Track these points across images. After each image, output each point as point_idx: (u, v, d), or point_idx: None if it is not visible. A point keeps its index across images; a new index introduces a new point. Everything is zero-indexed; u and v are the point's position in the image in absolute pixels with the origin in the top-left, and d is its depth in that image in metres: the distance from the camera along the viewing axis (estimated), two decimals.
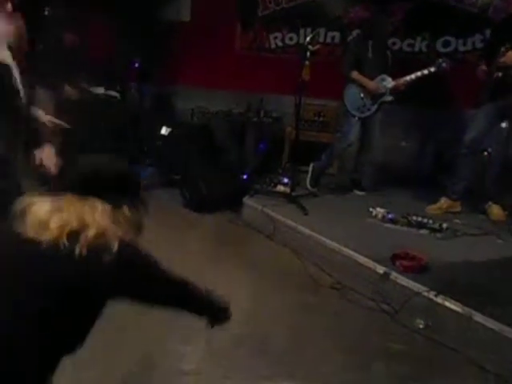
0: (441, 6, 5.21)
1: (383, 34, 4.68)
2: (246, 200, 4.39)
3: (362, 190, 4.79)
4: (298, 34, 5.76)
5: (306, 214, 4.07)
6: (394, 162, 5.18)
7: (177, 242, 3.66)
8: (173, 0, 6.10)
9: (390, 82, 4.52)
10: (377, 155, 4.76)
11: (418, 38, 5.41)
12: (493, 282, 3.03)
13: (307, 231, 3.72)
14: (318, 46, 4.46)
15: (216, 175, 4.59)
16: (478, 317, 2.64)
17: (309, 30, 5.67)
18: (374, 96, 4.56)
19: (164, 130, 5.24)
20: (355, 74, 4.55)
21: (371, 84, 4.54)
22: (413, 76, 4.42)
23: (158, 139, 5.27)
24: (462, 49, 5.28)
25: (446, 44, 5.32)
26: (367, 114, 4.61)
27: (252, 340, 2.63)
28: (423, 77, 4.37)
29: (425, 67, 4.38)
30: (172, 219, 4.17)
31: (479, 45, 5.08)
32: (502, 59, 3.76)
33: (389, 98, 4.56)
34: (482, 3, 4.17)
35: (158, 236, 3.62)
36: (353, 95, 4.61)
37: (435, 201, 4.35)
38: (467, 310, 2.70)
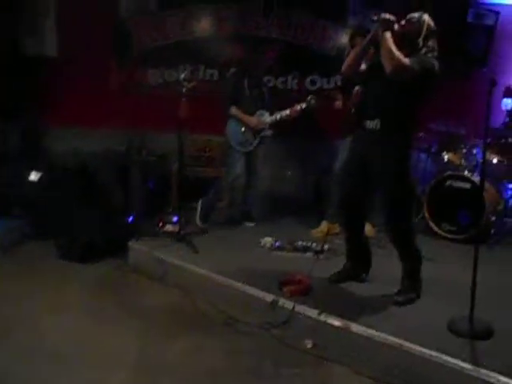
0: (306, 50, 6.14)
1: (258, 71, 5.14)
2: (132, 244, 4.47)
3: (251, 221, 5.14)
4: (177, 71, 6.07)
5: (196, 252, 4.25)
6: (281, 191, 5.64)
7: (52, 300, 3.61)
8: (34, 34, 6.12)
9: (267, 117, 5.00)
10: (263, 186, 5.17)
11: (290, 77, 6.16)
12: (368, 293, 3.48)
13: (197, 270, 3.91)
14: (194, 83, 4.76)
15: (97, 220, 4.58)
16: (356, 327, 3.01)
17: (188, 66, 6.06)
18: (255, 131, 4.98)
19: (34, 176, 5.09)
20: (234, 111, 4.94)
21: (251, 120, 4.96)
22: (287, 112, 4.93)
23: (26, 186, 5.08)
24: (326, 86, 6.14)
25: (313, 82, 6.17)
26: (250, 148, 5.02)
27: None
28: (296, 112, 4.90)
29: (297, 103, 4.93)
30: (46, 274, 4.11)
31: (340, 83, 5.76)
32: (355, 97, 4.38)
33: (268, 133, 5.03)
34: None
35: (31, 294, 3.68)
36: (235, 131, 4.98)
37: (318, 225, 4.89)
38: (347, 322, 3.06)
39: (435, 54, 3.24)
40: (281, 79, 6.19)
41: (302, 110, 4.90)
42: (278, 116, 4.98)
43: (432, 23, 3.26)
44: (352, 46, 4.44)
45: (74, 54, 6.01)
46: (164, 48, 6.16)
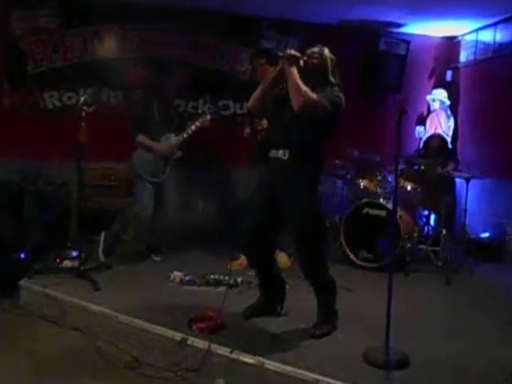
0: (217, 73, 6.27)
1: (166, 94, 5.16)
2: (24, 282, 4.27)
3: (159, 254, 5.07)
4: (77, 94, 5.94)
5: (97, 290, 4.13)
6: (192, 221, 5.59)
7: None
8: None
9: (174, 139, 4.99)
10: (172, 216, 5.11)
11: (201, 101, 6.25)
12: (283, 327, 3.49)
13: (99, 308, 3.77)
14: (94, 107, 4.68)
15: None
16: (270, 364, 2.99)
17: (90, 89, 5.96)
18: (166, 157, 4.97)
19: None
20: (142, 139, 4.90)
21: (161, 147, 4.94)
22: (192, 127, 4.98)
23: None
24: (239, 112, 6.27)
25: (226, 107, 6.29)
26: (162, 177, 5.00)
27: None
28: (202, 123, 4.99)
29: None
30: None
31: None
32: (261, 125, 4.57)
33: (179, 154, 5.02)
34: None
35: None
36: (144, 160, 4.94)
37: (236, 258, 4.83)
38: (260, 360, 3.04)
39: (339, 87, 3.38)
40: (192, 103, 6.25)
41: (209, 120, 5.01)
42: (185, 135, 5.01)
43: (333, 56, 3.41)
44: (255, 70, 4.65)
45: None
46: (63, 69, 6.00)
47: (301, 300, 3.75)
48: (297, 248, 3.48)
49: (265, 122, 4.52)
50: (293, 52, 3.26)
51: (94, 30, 6.03)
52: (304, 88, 3.17)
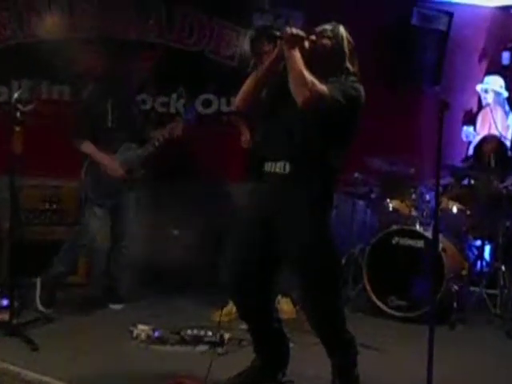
0: (197, 58, 6.20)
1: (127, 87, 5.19)
2: None
3: (118, 301, 5.08)
4: (9, 88, 5.91)
5: (34, 350, 4.12)
6: (162, 258, 5.56)
7: None
8: None
9: (135, 152, 5.02)
10: (136, 251, 5.11)
11: (174, 96, 6.20)
12: None
13: (35, 376, 3.71)
14: (31, 106, 4.70)
15: None
16: None
17: (27, 82, 5.93)
18: (120, 176, 4.98)
19: None
20: (88, 147, 4.92)
21: (109, 165, 4.93)
22: (156, 143, 5.00)
23: None
24: (225, 109, 6.24)
25: (207, 104, 6.24)
26: (114, 200, 5.02)
27: None
28: (173, 130, 5.00)
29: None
30: None
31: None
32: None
33: (139, 174, 5.05)
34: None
35: None
36: (93, 176, 4.96)
37: (223, 305, 4.71)
38: None
39: (357, 78, 3.39)
40: (161, 99, 6.24)
41: (182, 129, 5.03)
42: (151, 148, 5.03)
43: (350, 37, 3.42)
44: (256, 55, 4.55)
45: None
46: None
47: (310, 363, 3.74)
48: (303, 296, 3.46)
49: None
50: (294, 31, 3.24)
51: (31, 2, 6.04)
52: (310, 77, 3.17)
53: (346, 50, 3.37)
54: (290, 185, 3.33)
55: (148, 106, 6.12)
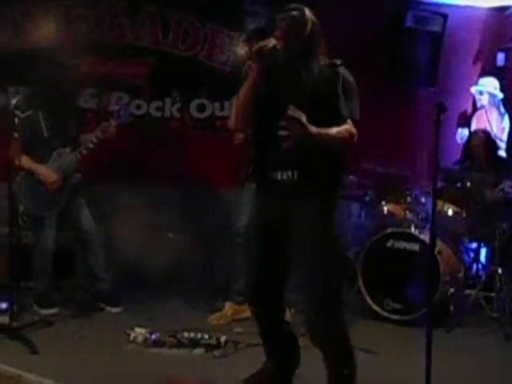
0: (191, 64, 6.32)
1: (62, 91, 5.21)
2: None
3: (115, 305, 5.18)
4: (6, 95, 5.82)
5: (34, 353, 4.20)
6: (158, 261, 5.62)
7: None
8: None
9: (69, 157, 5.08)
10: (130, 254, 5.30)
11: (168, 100, 6.29)
12: None
13: (35, 378, 3.78)
14: (30, 112, 4.84)
15: None
16: None
17: (24, 89, 5.87)
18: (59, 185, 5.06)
19: None
20: (27, 162, 5.00)
21: (46, 172, 5.02)
22: (89, 143, 5.03)
23: None
24: (219, 114, 6.31)
25: (201, 108, 6.35)
26: (58, 207, 5.12)
27: None
28: (104, 136, 5.04)
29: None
30: None
31: None
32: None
33: (75, 179, 5.14)
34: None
35: None
36: (30, 188, 5.06)
37: (219, 308, 4.95)
38: None
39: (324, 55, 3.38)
40: (156, 104, 6.32)
41: (114, 128, 5.07)
42: (84, 151, 5.06)
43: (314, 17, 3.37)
44: (251, 57, 4.63)
45: None
46: None
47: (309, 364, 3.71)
48: (309, 301, 3.42)
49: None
50: (296, 115, 3.10)
51: (28, 9, 6.07)
52: (338, 135, 3.19)
53: (310, 30, 3.29)
54: (299, 191, 3.31)
55: (143, 111, 6.21)
